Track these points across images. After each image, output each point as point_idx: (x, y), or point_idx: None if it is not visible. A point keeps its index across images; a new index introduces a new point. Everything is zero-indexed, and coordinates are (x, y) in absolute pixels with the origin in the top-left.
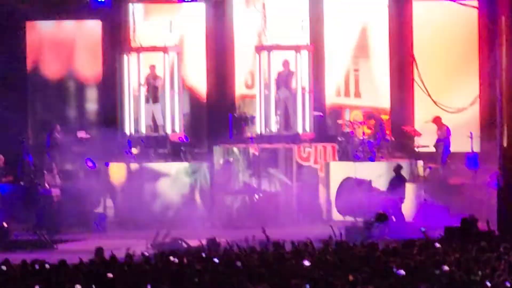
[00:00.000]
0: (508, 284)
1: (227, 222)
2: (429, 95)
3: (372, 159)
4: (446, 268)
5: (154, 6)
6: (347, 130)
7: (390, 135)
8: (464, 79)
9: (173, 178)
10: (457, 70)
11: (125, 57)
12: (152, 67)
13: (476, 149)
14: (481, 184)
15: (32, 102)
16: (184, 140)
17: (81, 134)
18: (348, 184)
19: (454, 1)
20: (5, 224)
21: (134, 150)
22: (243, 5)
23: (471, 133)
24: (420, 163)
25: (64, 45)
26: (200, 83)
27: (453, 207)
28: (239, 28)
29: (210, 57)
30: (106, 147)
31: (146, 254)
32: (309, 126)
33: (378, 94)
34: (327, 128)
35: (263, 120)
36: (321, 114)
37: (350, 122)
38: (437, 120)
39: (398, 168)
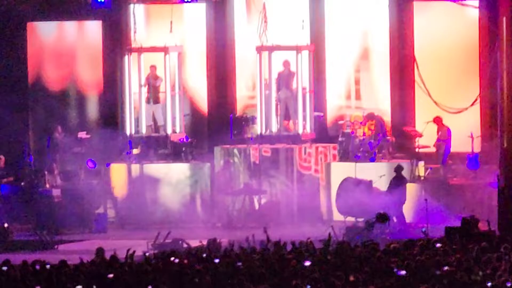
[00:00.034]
0: (509, 284)
1: (228, 223)
2: (430, 96)
3: (372, 160)
4: (446, 268)
5: (154, 7)
6: (348, 130)
7: (391, 135)
8: (465, 79)
9: (174, 179)
10: (457, 70)
11: (125, 57)
12: (153, 68)
13: (477, 149)
14: (481, 185)
15: (33, 103)
16: (185, 140)
17: (82, 134)
18: (349, 184)
19: (455, 2)
20: (6, 225)
21: (135, 151)
22: (244, 6)
23: (471, 133)
24: (421, 163)
25: (65, 46)
26: (200, 84)
27: (454, 207)
28: (240, 29)
29: (211, 57)
30: (106, 147)
31: (147, 254)
32: (310, 127)
33: (379, 95)
34: (328, 129)
35: (264, 120)
36: (322, 114)
37: (351, 122)
38: (438, 120)
39: (398, 169)
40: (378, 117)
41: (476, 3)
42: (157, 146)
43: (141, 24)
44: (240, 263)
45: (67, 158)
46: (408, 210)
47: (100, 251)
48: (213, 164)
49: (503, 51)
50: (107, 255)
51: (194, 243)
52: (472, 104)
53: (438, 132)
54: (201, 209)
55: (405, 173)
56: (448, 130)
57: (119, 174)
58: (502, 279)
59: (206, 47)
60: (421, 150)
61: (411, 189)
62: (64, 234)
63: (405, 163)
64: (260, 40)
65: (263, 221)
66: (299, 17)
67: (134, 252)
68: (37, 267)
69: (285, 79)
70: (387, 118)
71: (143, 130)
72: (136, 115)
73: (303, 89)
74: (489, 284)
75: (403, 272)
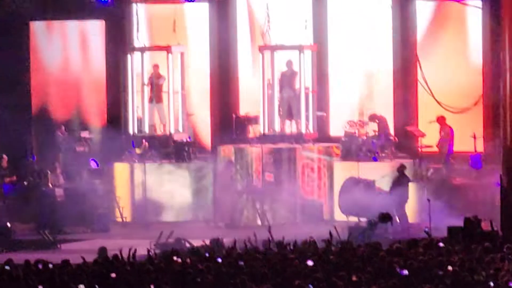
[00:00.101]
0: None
1: (230, 222)
2: (433, 95)
3: (375, 159)
4: (449, 268)
5: (157, 6)
6: (351, 130)
7: (394, 135)
8: (468, 79)
9: (176, 178)
10: (460, 70)
11: (128, 56)
12: (156, 67)
13: (480, 149)
14: (484, 184)
15: (35, 102)
16: (188, 140)
17: (85, 134)
18: (351, 184)
19: (458, 2)
20: (8, 224)
21: (138, 150)
22: (246, 5)
23: (474, 133)
24: (424, 163)
25: (67, 44)
26: (203, 83)
27: (457, 207)
28: (243, 28)
29: (214, 57)
30: (109, 147)
31: (151, 253)
32: (313, 126)
33: (382, 94)
34: (331, 129)
35: (267, 120)
36: (325, 114)
37: (354, 122)
38: (441, 120)
39: (401, 168)
40: (381, 117)
41: (479, 3)
42: (160, 145)
43: (144, 24)
44: (242, 263)
45: (70, 158)
46: (411, 210)
47: (102, 251)
48: (216, 164)
49: (506, 51)
50: (110, 255)
51: (197, 243)
52: (475, 104)
53: (440, 132)
54: (204, 209)
55: (407, 172)
56: (451, 130)
57: (121, 174)
58: (505, 279)
59: (209, 46)
60: (424, 150)
61: (414, 189)
62: (67, 233)
63: (408, 163)
64: (263, 40)
65: (265, 220)
66: (302, 16)
67: (135, 251)
68: (40, 266)
69: (288, 78)
70: (390, 117)
71: (146, 130)
72: (139, 115)
73: (306, 88)
74: (492, 284)
75: (406, 272)
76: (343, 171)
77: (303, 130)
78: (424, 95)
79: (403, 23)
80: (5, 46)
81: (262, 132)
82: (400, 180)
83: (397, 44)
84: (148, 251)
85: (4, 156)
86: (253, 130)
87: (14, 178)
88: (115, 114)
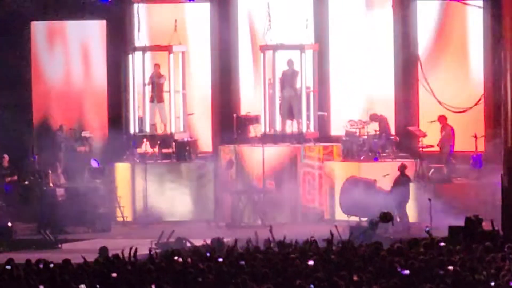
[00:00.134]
0: None
1: (231, 222)
2: (434, 95)
3: (376, 159)
4: (450, 268)
5: (158, 6)
6: (352, 130)
7: (395, 134)
8: (469, 79)
9: (177, 178)
10: (461, 70)
11: (129, 56)
12: (157, 66)
13: (481, 149)
14: (485, 184)
15: (36, 102)
16: (189, 139)
17: (86, 133)
18: (352, 183)
19: (459, 1)
20: (9, 224)
21: (139, 150)
22: (248, 5)
23: (475, 133)
24: (425, 162)
25: (68, 44)
26: (204, 82)
27: (457, 207)
28: (244, 28)
29: (215, 56)
30: (110, 146)
31: (152, 253)
32: (314, 126)
33: (383, 94)
34: (332, 128)
35: (268, 119)
36: (326, 113)
37: (355, 121)
38: (442, 119)
39: (402, 168)
40: (382, 116)
41: (480, 3)
42: (161, 145)
43: (145, 23)
44: (243, 262)
45: (71, 157)
46: (411, 210)
47: (103, 250)
48: (217, 163)
49: (507, 51)
50: (111, 254)
51: (198, 242)
52: (476, 104)
53: (441, 131)
54: (205, 208)
55: (408, 172)
56: (452, 130)
57: (123, 173)
58: (506, 278)
59: (210, 46)
60: (425, 149)
61: (414, 188)
62: (68, 233)
63: (409, 163)
64: (264, 39)
65: (266, 220)
66: (303, 16)
67: (136, 250)
68: (41, 266)
69: (289, 78)
70: (391, 117)
71: (147, 129)
72: (140, 114)
73: (307, 88)
74: (493, 283)
75: (407, 272)
76: (344, 170)
77: (304, 130)
78: (425, 94)
79: (404, 22)
80: (6, 46)
81: (263, 131)
82: (401, 179)
83: (398, 44)
84: (150, 250)
85: (5, 155)
86: (254, 130)
87: (15, 177)
88: (116, 114)
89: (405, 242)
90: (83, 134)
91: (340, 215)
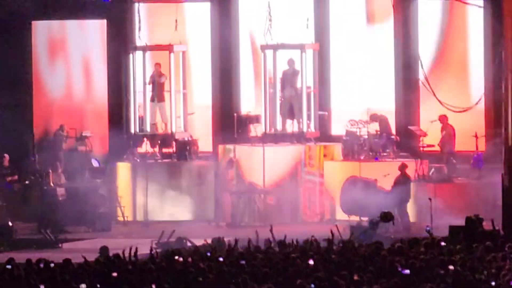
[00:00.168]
0: None
1: (232, 222)
2: (434, 95)
3: (377, 159)
4: (451, 267)
5: (159, 5)
6: (352, 129)
7: (396, 134)
8: (469, 78)
9: (178, 177)
10: (462, 69)
11: (130, 55)
12: (158, 65)
13: (481, 148)
14: (486, 184)
15: (37, 102)
16: (189, 139)
17: (86, 133)
18: (353, 183)
19: (460, 1)
20: (10, 223)
21: (139, 149)
22: (249, 4)
23: (476, 132)
24: (425, 162)
25: (69, 44)
26: (205, 82)
27: (458, 206)
28: (244, 27)
29: (215, 56)
30: (111, 146)
31: (153, 252)
32: (314, 125)
33: (383, 93)
34: (332, 128)
35: (268, 119)
36: (326, 113)
37: (355, 121)
38: (443, 119)
39: (403, 167)
40: (383, 116)
41: (481, 2)
42: (162, 144)
43: (146, 23)
44: (244, 262)
45: (72, 157)
46: (412, 209)
47: (104, 250)
48: (217, 163)
49: (508, 50)
50: (111, 254)
51: (198, 242)
52: (477, 103)
53: (442, 131)
54: (205, 208)
55: (409, 172)
56: (453, 129)
57: (123, 173)
58: (507, 278)
59: (211, 45)
60: (426, 149)
61: (415, 188)
62: (68, 232)
63: (409, 162)
64: (264, 39)
65: (267, 220)
66: (304, 15)
67: (136, 250)
68: (41, 265)
69: (290, 77)
70: (392, 117)
71: (148, 128)
72: (140, 114)
73: (308, 88)
74: (493, 283)
75: (407, 271)
76: (344, 170)
77: (305, 129)
78: (426, 94)
79: (405, 22)
80: (6, 45)
81: (263, 131)
82: (401, 179)
83: (399, 43)
84: (150, 250)
85: (6, 155)
86: (255, 129)
87: (16, 177)
88: (117, 113)
89: (406, 242)
90: (84, 133)
91: (340, 215)
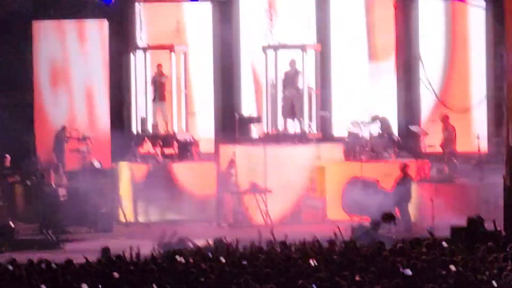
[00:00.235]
0: None
1: (233, 222)
2: (436, 95)
3: (378, 159)
4: (453, 268)
5: (160, 5)
6: (354, 130)
7: (397, 135)
8: (471, 78)
9: (179, 178)
10: (464, 69)
11: (132, 56)
12: (159, 66)
13: (483, 148)
14: (487, 184)
15: (38, 101)
16: (191, 139)
17: (88, 133)
18: (354, 183)
19: (461, 1)
20: (11, 224)
21: (141, 149)
22: (250, 5)
23: (477, 133)
24: (427, 162)
25: (70, 44)
26: (206, 82)
27: (460, 207)
28: (246, 27)
29: (217, 56)
30: (113, 146)
31: (154, 253)
32: (316, 126)
33: (385, 94)
34: (334, 128)
35: (270, 119)
36: (328, 113)
37: (357, 122)
38: (445, 119)
39: (404, 168)
40: (384, 117)
41: (482, 3)
42: (163, 144)
43: (147, 23)
44: (246, 262)
45: (73, 157)
46: (413, 210)
47: (105, 250)
48: (219, 163)
49: (509, 50)
50: (113, 254)
51: (200, 242)
52: (479, 103)
53: (443, 131)
54: (207, 208)
55: (411, 172)
56: (454, 130)
57: (125, 173)
58: (509, 278)
59: (212, 45)
60: (427, 149)
61: (417, 188)
62: (70, 233)
63: (411, 163)
64: (266, 39)
65: (268, 220)
66: (305, 16)
67: (138, 250)
68: (43, 266)
69: (291, 78)
70: (393, 117)
71: (149, 129)
72: (142, 114)
73: (309, 88)
74: (495, 283)
75: (409, 272)
76: (346, 170)
77: (306, 130)
78: (427, 94)
79: (406, 22)
80: (7, 45)
81: (265, 131)
82: (403, 179)
83: (400, 44)
84: (152, 250)
85: (7, 155)
86: (256, 130)
87: (17, 177)
88: (118, 113)
89: (407, 242)
90: (85, 133)
91: (342, 215)
